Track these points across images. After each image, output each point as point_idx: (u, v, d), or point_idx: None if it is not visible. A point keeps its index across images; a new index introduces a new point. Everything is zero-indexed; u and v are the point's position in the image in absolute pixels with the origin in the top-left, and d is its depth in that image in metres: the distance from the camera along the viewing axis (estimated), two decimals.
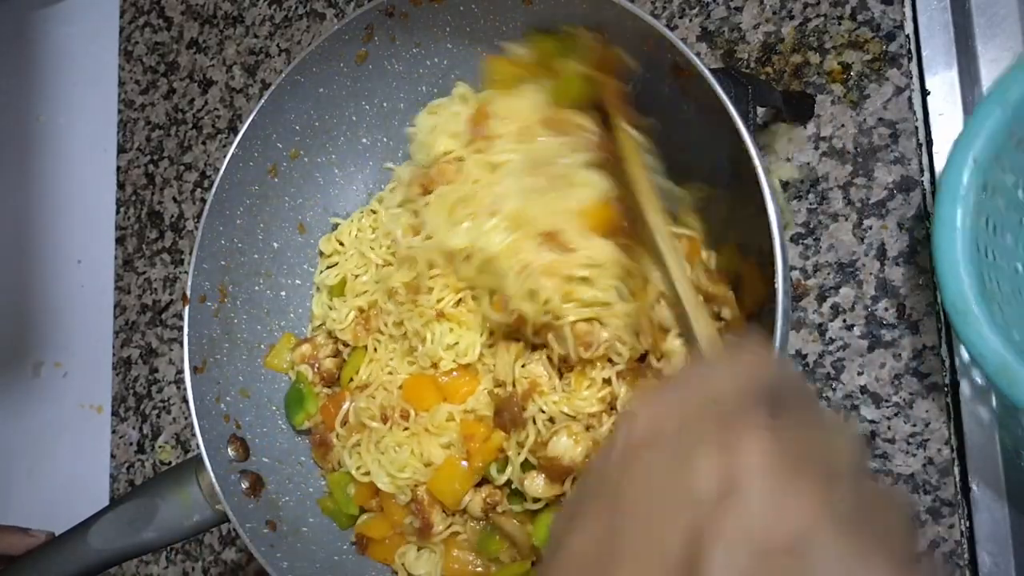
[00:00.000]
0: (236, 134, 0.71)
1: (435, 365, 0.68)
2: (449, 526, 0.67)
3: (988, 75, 0.70)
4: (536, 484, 0.61)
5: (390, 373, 0.70)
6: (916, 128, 0.71)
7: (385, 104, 0.75)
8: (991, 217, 0.62)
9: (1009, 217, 0.64)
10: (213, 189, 0.70)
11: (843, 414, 0.66)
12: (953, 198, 0.59)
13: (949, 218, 0.59)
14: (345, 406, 0.71)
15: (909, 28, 0.73)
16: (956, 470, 0.66)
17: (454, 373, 0.67)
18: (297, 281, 0.78)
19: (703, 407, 0.34)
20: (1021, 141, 0.60)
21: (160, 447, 1.03)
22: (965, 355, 0.68)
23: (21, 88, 1.21)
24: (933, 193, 0.69)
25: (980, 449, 0.66)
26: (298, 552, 0.67)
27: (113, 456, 1.06)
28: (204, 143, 1.07)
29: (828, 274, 0.72)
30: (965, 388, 0.67)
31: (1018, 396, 0.55)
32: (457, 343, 0.67)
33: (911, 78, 0.72)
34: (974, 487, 0.66)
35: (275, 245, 0.76)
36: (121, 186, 1.12)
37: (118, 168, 1.13)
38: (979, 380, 0.67)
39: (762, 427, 0.32)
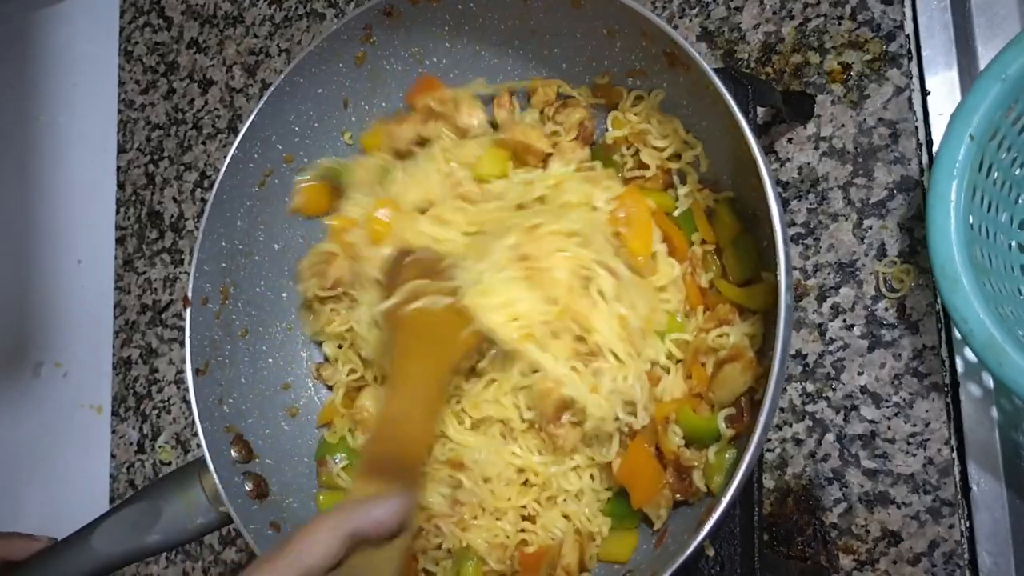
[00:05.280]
0: (236, 134, 0.71)
1: None
2: None
3: None
4: None
5: None
6: (916, 128, 0.71)
7: (384, 104, 0.75)
8: (986, 193, 0.62)
9: (1004, 194, 0.64)
10: (213, 191, 0.70)
11: None
12: (948, 172, 0.59)
13: (943, 192, 0.59)
14: None
15: (909, 28, 0.73)
16: (956, 470, 0.67)
17: None
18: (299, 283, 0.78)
19: None
20: (1020, 116, 0.60)
21: (160, 447, 1.04)
22: (969, 357, 0.68)
23: (21, 88, 1.21)
24: None
25: (980, 449, 0.66)
26: None
27: (113, 456, 1.07)
28: (204, 143, 1.07)
29: (828, 274, 0.73)
30: (971, 390, 0.67)
31: (1005, 374, 0.55)
32: None
33: (911, 78, 0.72)
34: (974, 487, 0.66)
35: (276, 247, 0.76)
36: (121, 186, 1.12)
37: (118, 168, 1.13)
38: (980, 384, 0.68)
39: None
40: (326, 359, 0.78)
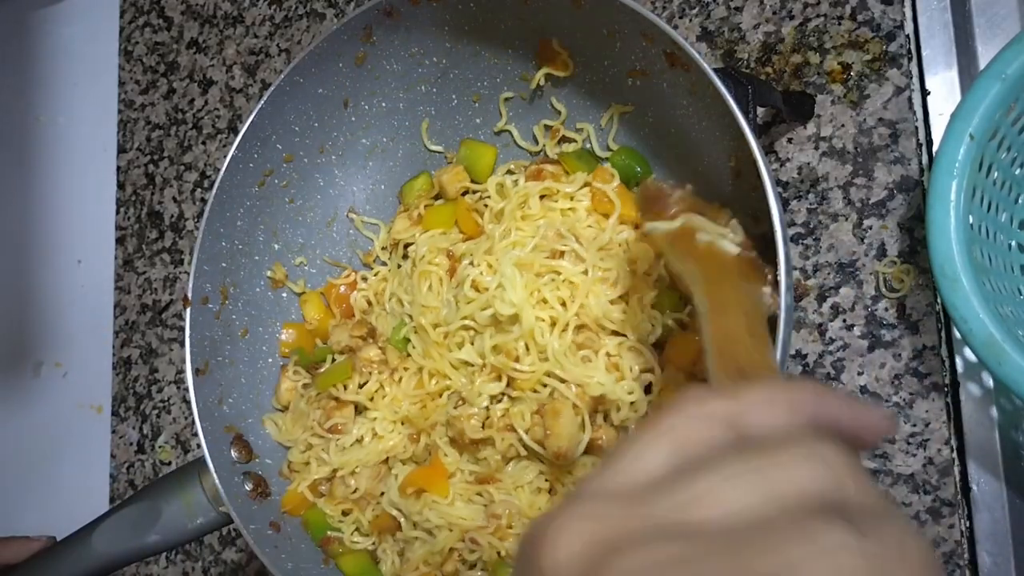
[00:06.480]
0: (236, 134, 0.71)
1: None
2: None
3: None
4: None
5: None
6: (916, 128, 0.71)
7: (384, 104, 0.75)
8: (986, 193, 0.62)
9: (1004, 194, 0.64)
10: (213, 191, 0.70)
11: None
12: (948, 172, 0.59)
13: (943, 192, 0.59)
14: None
15: (909, 28, 0.73)
16: (956, 470, 0.67)
17: None
18: (298, 283, 0.78)
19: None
20: (1020, 116, 0.60)
21: (160, 447, 1.04)
22: (969, 356, 0.68)
23: (21, 88, 1.21)
24: None
25: (980, 449, 0.66)
26: (302, 552, 0.67)
27: (113, 456, 1.07)
28: (204, 143, 1.07)
29: (828, 274, 0.73)
30: (971, 390, 0.67)
31: (1005, 373, 0.55)
32: None
33: (911, 78, 0.72)
34: (974, 487, 0.66)
35: (276, 247, 0.76)
36: (121, 186, 1.12)
37: (118, 168, 1.13)
38: (980, 384, 0.68)
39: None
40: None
